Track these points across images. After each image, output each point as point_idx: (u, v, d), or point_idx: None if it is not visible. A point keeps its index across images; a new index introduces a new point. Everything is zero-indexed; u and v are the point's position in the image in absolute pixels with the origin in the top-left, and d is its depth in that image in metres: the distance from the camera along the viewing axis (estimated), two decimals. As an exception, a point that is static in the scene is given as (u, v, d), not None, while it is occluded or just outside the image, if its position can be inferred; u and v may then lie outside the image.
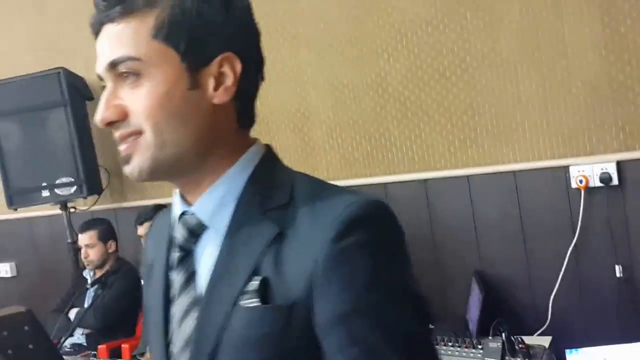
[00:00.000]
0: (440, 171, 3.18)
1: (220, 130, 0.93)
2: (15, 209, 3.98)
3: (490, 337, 2.25)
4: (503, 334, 2.19)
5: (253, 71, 0.96)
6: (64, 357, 3.25)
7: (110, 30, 0.89)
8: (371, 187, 3.35)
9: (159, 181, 0.93)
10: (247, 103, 0.97)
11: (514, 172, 3.03)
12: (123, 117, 0.89)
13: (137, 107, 0.88)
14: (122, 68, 0.88)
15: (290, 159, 3.56)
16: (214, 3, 0.89)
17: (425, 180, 3.23)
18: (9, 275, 4.62)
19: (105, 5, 0.89)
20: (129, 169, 0.91)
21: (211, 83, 0.90)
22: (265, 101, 3.59)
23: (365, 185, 3.37)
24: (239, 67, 0.92)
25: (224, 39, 0.90)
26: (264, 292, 0.86)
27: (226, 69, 0.91)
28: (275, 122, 3.57)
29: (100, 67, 0.90)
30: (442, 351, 2.31)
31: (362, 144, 3.36)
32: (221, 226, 0.92)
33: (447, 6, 3.06)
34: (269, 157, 0.99)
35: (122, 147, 0.90)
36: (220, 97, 0.91)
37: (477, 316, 2.72)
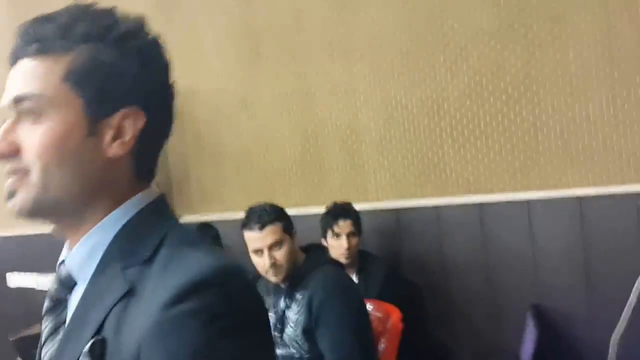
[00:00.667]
0: (497, 194, 2.95)
1: (111, 182, 0.89)
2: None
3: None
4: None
5: (159, 129, 0.93)
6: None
7: (24, 64, 0.88)
8: (423, 210, 3.14)
9: (41, 221, 0.89)
10: (147, 158, 0.93)
11: (579, 198, 2.76)
12: (15, 153, 0.86)
13: (31, 145, 0.85)
14: (25, 104, 0.86)
15: (339, 177, 3.43)
16: (131, 57, 0.88)
17: (481, 204, 3.00)
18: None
19: (25, 41, 0.88)
20: (10, 204, 0.88)
21: (109, 134, 0.87)
22: (315, 116, 3.48)
23: (417, 207, 3.16)
24: (140, 123, 0.89)
25: (132, 93, 0.89)
26: (99, 353, 0.80)
27: (127, 123, 0.88)
28: (325, 139, 3.42)
29: (6, 100, 0.88)
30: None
31: (414, 164, 3.16)
32: (87, 279, 0.88)
33: (512, 17, 2.85)
34: (153, 207, 0.92)
35: (8, 182, 0.88)
36: (114, 150, 0.88)
37: (531, 355, 2.45)
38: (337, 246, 2.97)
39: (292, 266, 2.42)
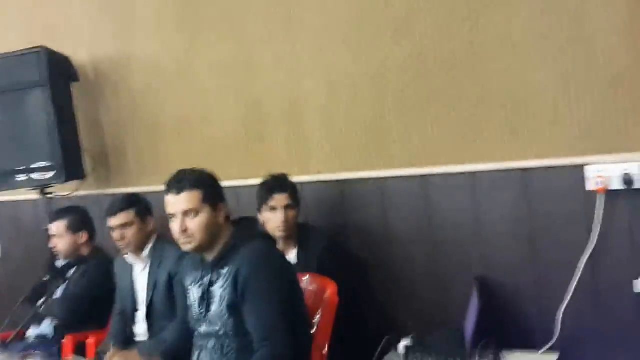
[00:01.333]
0: (442, 166, 2.87)
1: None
2: (-10, 192, 3.77)
3: (477, 358, 1.93)
4: (491, 357, 1.87)
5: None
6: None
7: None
8: (367, 182, 3.06)
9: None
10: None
11: (523, 170, 2.71)
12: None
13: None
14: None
15: (281, 148, 3.30)
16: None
17: (426, 176, 2.92)
18: (-6, 257, 4.44)
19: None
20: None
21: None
22: (258, 86, 3.35)
23: (361, 179, 3.07)
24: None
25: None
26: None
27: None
28: (267, 109, 3.31)
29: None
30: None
31: (358, 135, 3.06)
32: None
33: (455, -17, 2.75)
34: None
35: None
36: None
37: (472, 329, 2.40)
38: (274, 220, 2.87)
39: (209, 239, 2.32)
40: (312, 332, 2.50)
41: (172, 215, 2.33)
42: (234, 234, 2.38)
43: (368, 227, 3.08)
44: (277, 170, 3.03)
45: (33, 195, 3.86)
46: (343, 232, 3.15)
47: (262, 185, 2.94)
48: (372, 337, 2.73)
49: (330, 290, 2.59)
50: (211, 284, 2.35)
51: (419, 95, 2.88)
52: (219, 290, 2.31)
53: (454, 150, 2.84)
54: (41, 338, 3.48)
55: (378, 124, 2.99)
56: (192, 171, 2.38)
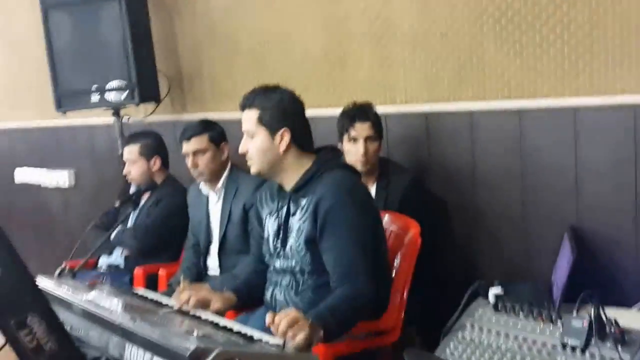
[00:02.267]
0: (541, 99, 2.59)
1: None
2: (64, 112, 3.72)
3: (575, 314, 1.72)
4: (592, 311, 1.65)
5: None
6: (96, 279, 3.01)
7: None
8: (456, 116, 2.81)
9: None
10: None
11: (635, 107, 2.40)
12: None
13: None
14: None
15: (365, 75, 3.08)
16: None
17: (521, 111, 2.65)
18: (67, 184, 4.46)
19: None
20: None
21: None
22: (341, 6, 3.10)
23: (449, 112, 2.83)
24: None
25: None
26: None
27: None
28: (351, 32, 3.07)
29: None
30: (511, 323, 1.82)
31: (449, 63, 2.80)
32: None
33: None
34: None
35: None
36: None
37: (565, 282, 2.18)
38: (354, 151, 2.68)
39: (268, 166, 2.19)
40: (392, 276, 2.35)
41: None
42: (316, 162, 2.20)
43: (454, 166, 2.86)
44: (360, 99, 2.82)
45: (107, 118, 3.80)
46: (427, 169, 2.93)
47: (343, 113, 2.74)
48: (452, 283, 2.56)
49: (414, 231, 2.41)
50: (288, 215, 2.20)
51: (522, 18, 2.58)
52: (297, 222, 2.16)
53: (556, 81, 2.55)
54: (113, 268, 3.44)
55: (473, 49, 2.72)
56: (265, 89, 2.21)
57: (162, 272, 3.15)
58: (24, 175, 4.75)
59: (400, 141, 2.97)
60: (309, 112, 3.02)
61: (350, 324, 2.01)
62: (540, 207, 2.66)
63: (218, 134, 3.01)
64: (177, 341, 1.60)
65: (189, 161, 2.99)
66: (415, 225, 2.42)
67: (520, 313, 1.90)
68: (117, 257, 3.45)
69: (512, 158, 2.70)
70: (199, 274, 3.07)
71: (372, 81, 3.02)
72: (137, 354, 1.75)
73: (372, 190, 2.74)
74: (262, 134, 2.16)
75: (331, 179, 2.14)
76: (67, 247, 3.06)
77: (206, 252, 3.08)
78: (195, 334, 1.69)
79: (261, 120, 2.15)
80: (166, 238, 3.30)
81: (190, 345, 1.56)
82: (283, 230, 2.20)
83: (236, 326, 2.02)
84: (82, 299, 2.04)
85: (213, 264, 3.06)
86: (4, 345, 1.86)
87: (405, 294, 2.33)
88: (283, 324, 1.78)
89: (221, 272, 3.01)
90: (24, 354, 1.81)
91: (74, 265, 3.07)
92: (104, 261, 3.48)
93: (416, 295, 2.59)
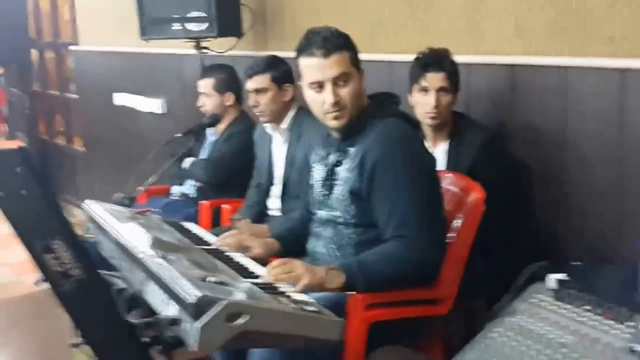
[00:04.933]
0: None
1: None
2: (147, 40, 3.71)
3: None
4: None
5: None
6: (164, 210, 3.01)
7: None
8: (548, 71, 2.49)
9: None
10: None
11: None
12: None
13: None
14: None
15: (451, 21, 2.81)
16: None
17: (626, 70, 2.30)
18: (160, 111, 4.53)
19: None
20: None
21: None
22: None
23: (541, 66, 2.52)
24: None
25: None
26: None
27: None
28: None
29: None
30: (573, 315, 1.58)
31: (545, 10, 2.47)
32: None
33: None
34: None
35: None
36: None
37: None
38: (423, 103, 2.45)
39: (357, 112, 1.99)
40: (447, 241, 2.14)
41: (317, 84, 1.98)
42: (368, 108, 2.03)
43: (541, 127, 2.55)
44: (443, 45, 2.56)
45: (190, 49, 3.74)
46: (509, 129, 2.64)
47: (416, 60, 2.50)
48: (528, 257, 2.31)
49: (476, 194, 2.17)
50: (337, 163, 2.05)
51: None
52: (344, 172, 2.01)
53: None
54: (184, 196, 3.48)
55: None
56: (329, 29, 2.02)
57: (226, 207, 3.13)
58: (121, 98, 4.93)
59: (482, 95, 2.70)
60: (389, 57, 2.81)
61: (387, 283, 1.87)
62: (638, 184, 2.33)
63: (282, 74, 2.88)
64: (187, 286, 1.52)
65: (250, 99, 2.90)
66: (479, 189, 2.18)
67: (586, 305, 1.65)
68: (189, 187, 3.49)
69: (611, 125, 2.36)
70: (261, 213, 3.01)
71: (458, 27, 2.73)
72: (155, 292, 1.69)
73: (442, 147, 2.51)
74: (356, 77, 2.00)
75: (382, 127, 1.97)
76: (152, 170, 3.09)
77: (267, 192, 3.01)
78: (208, 280, 1.58)
79: (354, 62, 2.00)
80: (234, 174, 3.26)
81: (197, 293, 1.46)
82: (329, 179, 2.06)
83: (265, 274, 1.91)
84: (118, 229, 2.00)
85: (273, 205, 2.99)
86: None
87: (463, 262, 2.12)
88: (275, 272, 1.77)
89: (282, 214, 2.93)
90: (51, 277, 1.80)
91: (152, 192, 3.33)
92: (176, 190, 3.53)
93: (486, 266, 2.38)
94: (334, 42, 1.96)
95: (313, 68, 1.97)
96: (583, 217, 2.47)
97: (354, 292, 1.85)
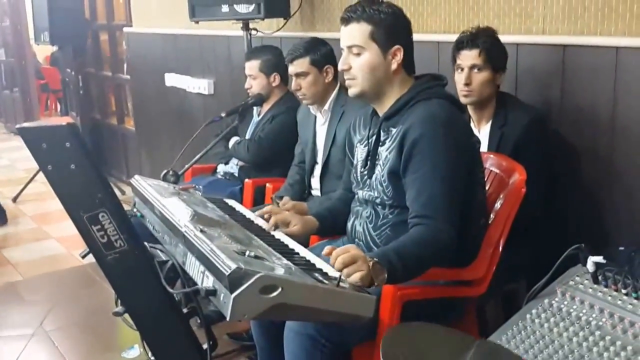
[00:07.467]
0: None
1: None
2: (197, 22, 3.75)
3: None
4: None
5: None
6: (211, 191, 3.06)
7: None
8: (599, 51, 2.43)
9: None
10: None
11: None
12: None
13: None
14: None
15: (501, 5, 2.77)
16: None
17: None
18: (206, 92, 4.58)
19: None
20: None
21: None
22: None
23: (591, 47, 2.45)
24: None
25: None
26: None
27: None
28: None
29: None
30: (610, 298, 1.55)
31: (597, -11, 2.40)
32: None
33: None
34: None
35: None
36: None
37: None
38: (457, 80, 2.43)
39: (374, 87, 2.01)
40: (487, 223, 2.12)
41: (342, 51, 2.05)
42: (412, 88, 2.01)
43: (590, 108, 2.49)
44: (492, 25, 2.52)
45: (238, 31, 3.77)
46: (557, 109, 2.59)
47: (456, 40, 2.47)
48: (571, 240, 2.27)
49: (519, 176, 2.14)
50: (378, 144, 2.04)
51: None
52: (385, 152, 2.00)
53: None
54: (228, 175, 3.54)
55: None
56: (373, 1, 2.01)
57: (269, 186, 3.18)
58: (171, 79, 5.00)
59: (531, 75, 2.64)
60: (437, 37, 2.78)
61: (420, 269, 1.84)
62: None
63: (322, 57, 2.88)
64: (224, 259, 1.55)
65: (292, 83, 2.92)
66: (521, 170, 2.15)
67: (624, 289, 1.63)
68: (233, 166, 3.54)
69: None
70: (302, 192, 3.05)
71: (507, 7, 2.68)
72: (194, 265, 1.73)
73: (485, 128, 2.48)
74: (373, 50, 1.98)
75: (425, 108, 1.94)
76: (199, 149, 3.14)
77: (310, 171, 3.04)
78: (247, 254, 1.61)
79: (373, 36, 1.97)
80: (277, 154, 3.30)
81: (233, 265, 1.49)
82: (371, 159, 2.05)
83: (303, 251, 1.93)
84: (162, 202, 2.05)
85: (316, 184, 3.01)
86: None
87: (501, 243, 2.09)
88: (339, 262, 1.66)
89: (322, 193, 2.95)
90: (95, 247, 1.86)
91: (199, 170, 3.52)
92: (221, 168, 3.60)
93: (527, 248, 2.35)
94: (355, 13, 1.98)
95: (341, 34, 2.05)
96: (631, 200, 2.41)
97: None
